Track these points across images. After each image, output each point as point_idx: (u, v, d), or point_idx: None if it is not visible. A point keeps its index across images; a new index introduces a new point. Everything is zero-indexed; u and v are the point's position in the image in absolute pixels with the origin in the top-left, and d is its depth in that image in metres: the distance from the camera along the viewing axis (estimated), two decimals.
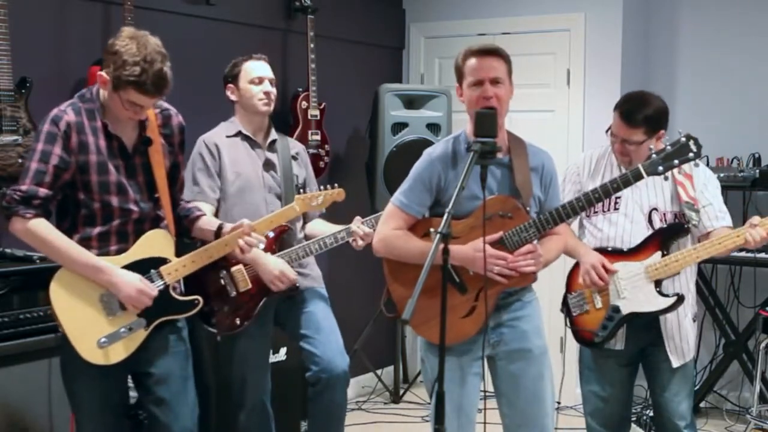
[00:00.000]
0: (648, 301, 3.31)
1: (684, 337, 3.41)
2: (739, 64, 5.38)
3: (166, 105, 3.10)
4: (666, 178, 3.28)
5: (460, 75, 2.99)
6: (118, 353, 2.91)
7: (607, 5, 5.37)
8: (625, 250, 3.36)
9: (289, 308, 3.71)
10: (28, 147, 2.92)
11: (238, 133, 3.71)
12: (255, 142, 3.72)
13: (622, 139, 3.35)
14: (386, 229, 3.03)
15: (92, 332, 2.88)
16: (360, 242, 3.62)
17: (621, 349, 3.40)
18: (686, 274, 3.42)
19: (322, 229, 3.78)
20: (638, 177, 2.98)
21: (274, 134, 3.78)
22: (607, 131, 3.43)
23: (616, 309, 3.33)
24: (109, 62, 2.83)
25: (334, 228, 3.73)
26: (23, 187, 2.80)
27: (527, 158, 3.01)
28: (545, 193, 3.05)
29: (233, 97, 3.73)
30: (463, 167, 2.78)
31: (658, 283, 3.31)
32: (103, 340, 2.88)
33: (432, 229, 2.92)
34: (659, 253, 3.31)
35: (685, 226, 3.34)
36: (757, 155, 5.14)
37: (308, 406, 3.74)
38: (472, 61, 2.95)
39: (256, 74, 3.68)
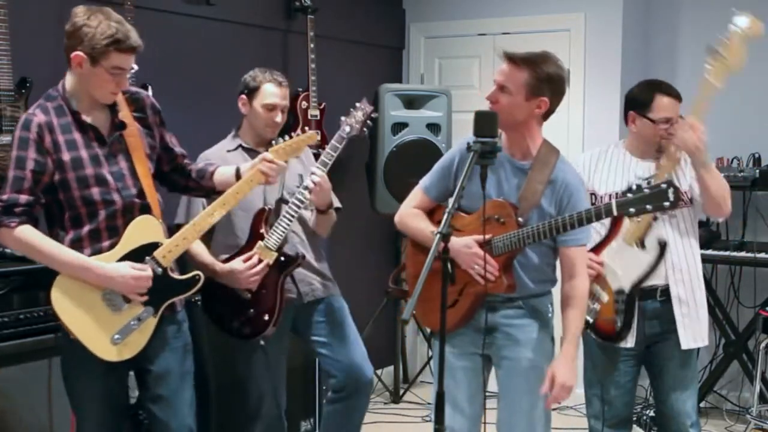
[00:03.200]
0: (638, 263, 3.33)
1: (698, 317, 3.43)
2: None
3: (134, 88, 3.09)
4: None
5: None
6: (133, 346, 2.91)
7: (607, 5, 5.37)
8: (602, 236, 3.39)
9: (310, 316, 3.69)
10: None
11: (238, 147, 3.65)
12: (257, 153, 3.57)
13: (677, 117, 3.37)
14: (407, 206, 3.19)
15: (103, 332, 2.87)
16: (312, 196, 3.49)
17: (632, 347, 3.40)
18: (692, 259, 3.43)
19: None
20: (609, 213, 2.95)
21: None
22: (654, 121, 3.37)
23: (620, 291, 3.34)
24: (79, 39, 2.82)
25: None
26: (4, 197, 2.81)
27: (551, 171, 2.98)
28: (560, 210, 2.97)
29: (243, 110, 3.65)
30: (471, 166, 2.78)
31: (638, 243, 3.34)
32: (116, 336, 2.88)
33: (431, 230, 2.94)
34: (627, 220, 3.31)
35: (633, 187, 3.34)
36: (757, 155, 5.14)
37: (325, 411, 3.74)
38: (502, 62, 2.98)
39: (270, 101, 3.59)
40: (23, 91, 3.58)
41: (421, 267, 3.02)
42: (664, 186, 2.91)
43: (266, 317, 3.54)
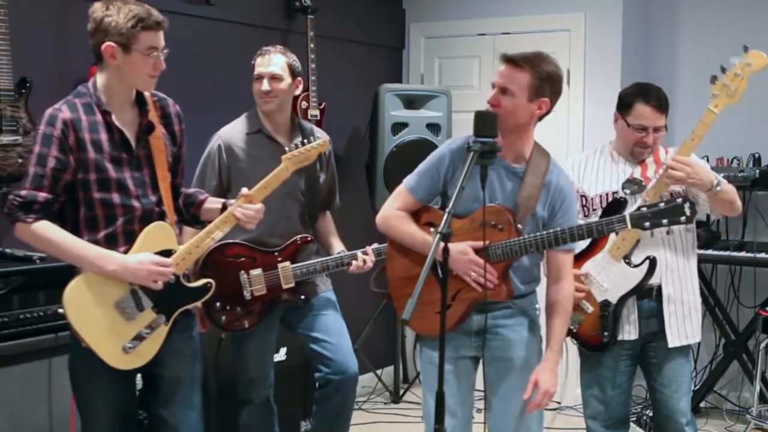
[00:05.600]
0: (626, 279, 3.32)
1: (687, 316, 3.41)
2: None
3: (161, 94, 3.08)
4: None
5: None
6: (145, 354, 2.89)
7: (607, 5, 5.37)
8: (583, 248, 3.38)
9: (299, 310, 3.69)
10: (28, 147, 2.89)
11: (259, 131, 3.64)
12: (277, 142, 3.62)
13: (653, 128, 3.35)
14: (390, 207, 3.08)
15: (115, 340, 2.84)
16: (353, 269, 3.63)
17: (636, 339, 3.39)
18: (684, 259, 3.41)
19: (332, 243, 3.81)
20: (623, 226, 2.98)
21: (299, 135, 3.61)
22: (630, 127, 3.36)
23: (606, 303, 3.35)
24: (105, 30, 2.81)
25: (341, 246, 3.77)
26: (23, 192, 2.78)
27: (544, 175, 2.96)
28: (551, 213, 2.98)
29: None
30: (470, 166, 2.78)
31: (626, 259, 3.33)
32: (128, 345, 2.85)
33: (432, 229, 2.92)
34: (613, 234, 3.32)
35: (622, 199, 3.33)
36: (757, 155, 5.14)
37: (314, 408, 3.74)
38: (500, 65, 2.94)
39: (257, 71, 3.63)
40: (23, 91, 3.58)
41: (405, 269, 3.02)
42: (679, 201, 2.93)
43: (246, 323, 3.58)
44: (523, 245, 2.89)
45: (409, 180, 3.08)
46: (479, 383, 3.06)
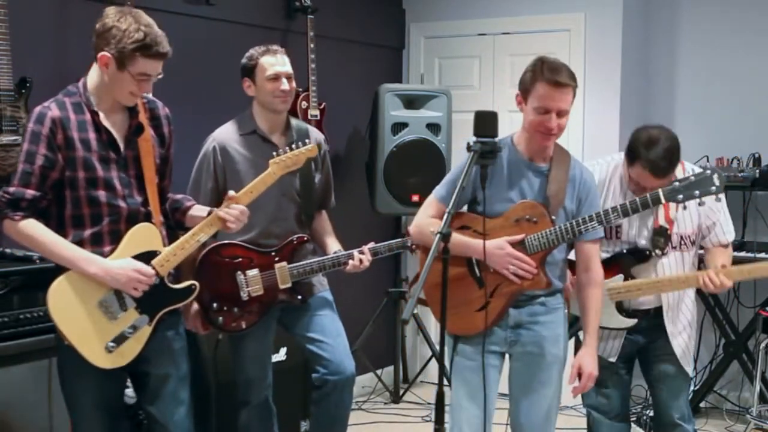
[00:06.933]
0: (609, 320, 3.34)
1: (687, 342, 3.44)
2: (739, 64, 5.38)
3: (150, 96, 3.08)
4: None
5: (526, 90, 2.97)
6: (127, 354, 2.90)
7: (607, 5, 5.37)
8: None
9: (295, 311, 3.68)
10: None
11: (253, 132, 3.63)
12: (271, 142, 3.61)
13: (652, 187, 3.17)
14: (423, 216, 3.14)
15: (98, 339, 2.86)
16: (349, 268, 3.61)
17: (614, 362, 3.43)
18: (686, 302, 3.43)
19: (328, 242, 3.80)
20: (657, 201, 3.01)
21: (293, 134, 3.64)
22: (631, 161, 3.22)
23: (577, 319, 3.34)
24: (107, 40, 2.80)
25: (337, 245, 3.75)
26: (11, 189, 2.80)
27: (568, 170, 3.05)
28: (579, 205, 3.06)
29: (250, 93, 3.64)
30: (501, 171, 2.87)
31: (620, 305, 3.35)
32: (110, 344, 2.87)
33: (431, 230, 2.95)
34: (621, 276, 3.33)
35: (647, 252, 3.32)
36: (757, 155, 5.14)
37: (312, 408, 3.73)
38: (543, 88, 2.92)
39: (273, 71, 3.58)
40: (23, 91, 3.58)
41: (439, 275, 3.05)
42: (708, 173, 2.98)
43: (243, 324, 3.57)
44: (560, 233, 2.96)
45: (438, 190, 3.14)
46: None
